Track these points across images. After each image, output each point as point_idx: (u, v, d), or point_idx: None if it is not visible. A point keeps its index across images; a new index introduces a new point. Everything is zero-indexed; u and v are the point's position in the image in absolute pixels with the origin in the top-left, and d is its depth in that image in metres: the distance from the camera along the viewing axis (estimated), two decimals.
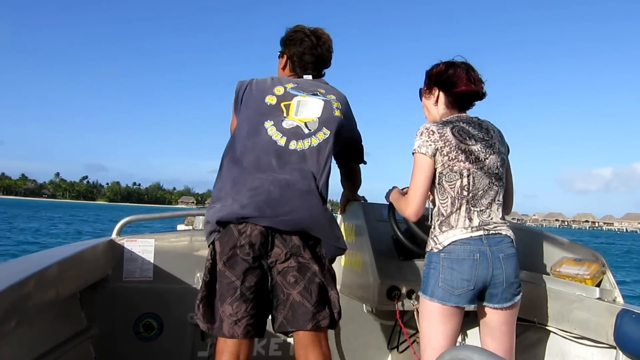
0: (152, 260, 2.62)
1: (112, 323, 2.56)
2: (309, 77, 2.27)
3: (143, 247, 2.61)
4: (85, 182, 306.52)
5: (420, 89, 2.27)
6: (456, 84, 2.13)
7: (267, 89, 2.16)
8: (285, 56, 2.31)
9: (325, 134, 2.07)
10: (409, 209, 2.08)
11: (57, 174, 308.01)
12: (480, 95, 2.17)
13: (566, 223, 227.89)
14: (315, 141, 2.05)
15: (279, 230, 1.96)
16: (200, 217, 3.08)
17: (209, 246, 2.04)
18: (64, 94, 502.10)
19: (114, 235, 2.62)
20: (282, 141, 2.03)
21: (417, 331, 2.74)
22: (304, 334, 1.99)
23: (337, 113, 2.14)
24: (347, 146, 2.27)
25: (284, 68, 2.32)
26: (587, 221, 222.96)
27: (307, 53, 2.26)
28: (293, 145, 2.03)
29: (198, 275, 2.64)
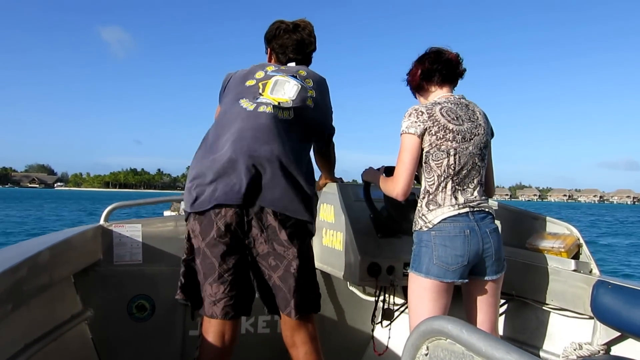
0: (140, 244, 2.70)
1: (106, 305, 2.65)
2: (292, 63, 2.32)
3: (131, 231, 2.69)
4: None
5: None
6: (414, 72, 2.27)
7: (248, 74, 2.23)
8: (269, 50, 2.39)
9: (294, 115, 2.10)
10: (397, 189, 2.14)
11: (189, 168, 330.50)
12: (457, 69, 2.25)
13: None
14: (286, 115, 2.08)
15: (252, 208, 1.96)
16: None
17: (186, 220, 2.08)
18: (188, 96, 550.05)
19: (102, 221, 2.69)
20: (251, 107, 2.08)
21: (402, 305, 2.82)
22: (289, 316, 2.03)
23: (309, 102, 2.17)
24: (315, 134, 2.27)
25: (270, 61, 2.40)
26: None
27: (287, 39, 2.32)
28: (262, 109, 2.07)
29: None
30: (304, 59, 2.36)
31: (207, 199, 1.98)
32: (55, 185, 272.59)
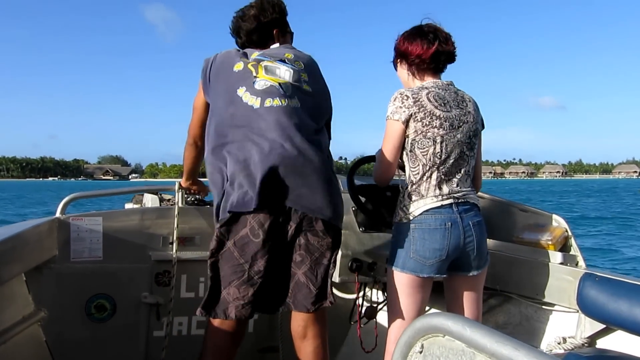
0: (101, 240, 2.49)
1: (62, 305, 2.45)
2: (275, 45, 2.23)
3: (90, 225, 2.47)
4: None
5: (393, 60, 2.27)
6: (413, 52, 2.12)
7: (233, 58, 2.11)
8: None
9: (298, 102, 2.01)
10: (376, 175, 2.12)
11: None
12: (446, 55, 2.14)
13: None
14: (293, 103, 1.99)
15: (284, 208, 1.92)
16: (149, 195, 2.92)
17: (219, 228, 1.96)
18: None
19: (58, 214, 2.46)
20: (257, 103, 1.97)
21: (380, 303, 2.74)
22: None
23: (305, 87, 2.08)
24: (321, 118, 2.15)
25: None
26: None
27: (247, 27, 2.24)
28: (269, 102, 1.97)
29: (150, 254, 2.55)
30: (263, 36, 2.25)
31: (242, 203, 1.89)
32: (130, 176, 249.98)
